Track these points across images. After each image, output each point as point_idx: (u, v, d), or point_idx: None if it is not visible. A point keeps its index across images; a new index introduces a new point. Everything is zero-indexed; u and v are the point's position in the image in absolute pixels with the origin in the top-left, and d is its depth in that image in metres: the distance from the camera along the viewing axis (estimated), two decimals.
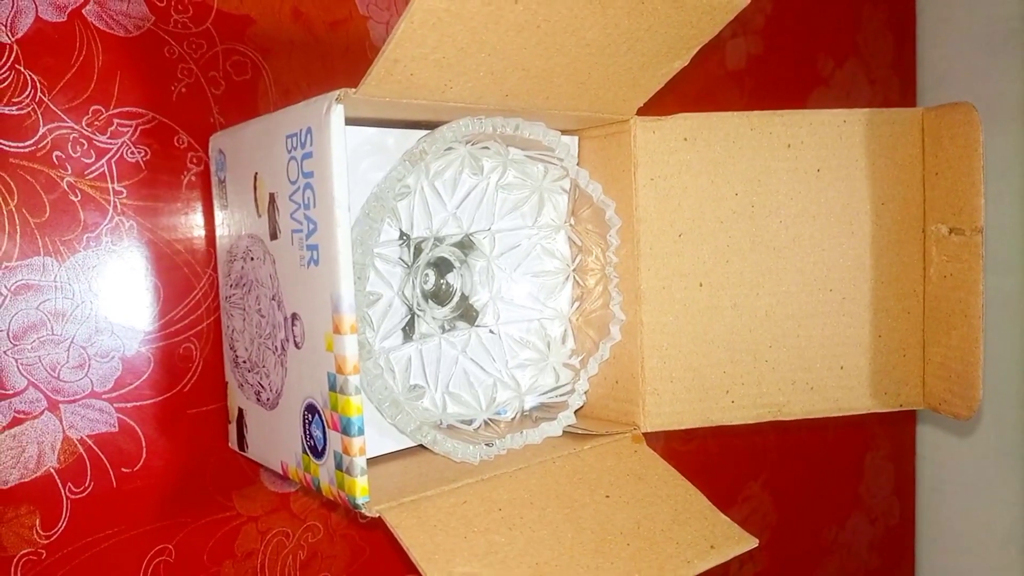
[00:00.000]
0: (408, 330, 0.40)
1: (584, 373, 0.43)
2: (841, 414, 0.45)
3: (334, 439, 0.33)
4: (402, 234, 0.39)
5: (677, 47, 0.36)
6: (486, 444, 0.38)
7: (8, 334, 0.38)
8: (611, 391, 0.45)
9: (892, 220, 0.44)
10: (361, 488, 0.32)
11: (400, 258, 0.39)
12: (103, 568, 0.41)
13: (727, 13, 0.35)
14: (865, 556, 0.92)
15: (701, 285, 0.43)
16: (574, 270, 0.45)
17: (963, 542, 0.93)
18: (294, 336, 0.36)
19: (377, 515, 0.32)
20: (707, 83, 0.69)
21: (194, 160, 0.43)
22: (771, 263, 0.43)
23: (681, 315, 0.43)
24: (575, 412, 0.44)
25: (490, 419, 0.41)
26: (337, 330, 0.32)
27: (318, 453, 0.35)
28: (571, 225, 0.44)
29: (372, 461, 0.38)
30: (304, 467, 0.36)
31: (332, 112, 0.31)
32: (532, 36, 0.31)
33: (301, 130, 0.33)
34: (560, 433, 0.41)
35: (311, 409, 0.35)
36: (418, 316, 0.40)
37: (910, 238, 0.44)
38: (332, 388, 0.33)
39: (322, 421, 0.34)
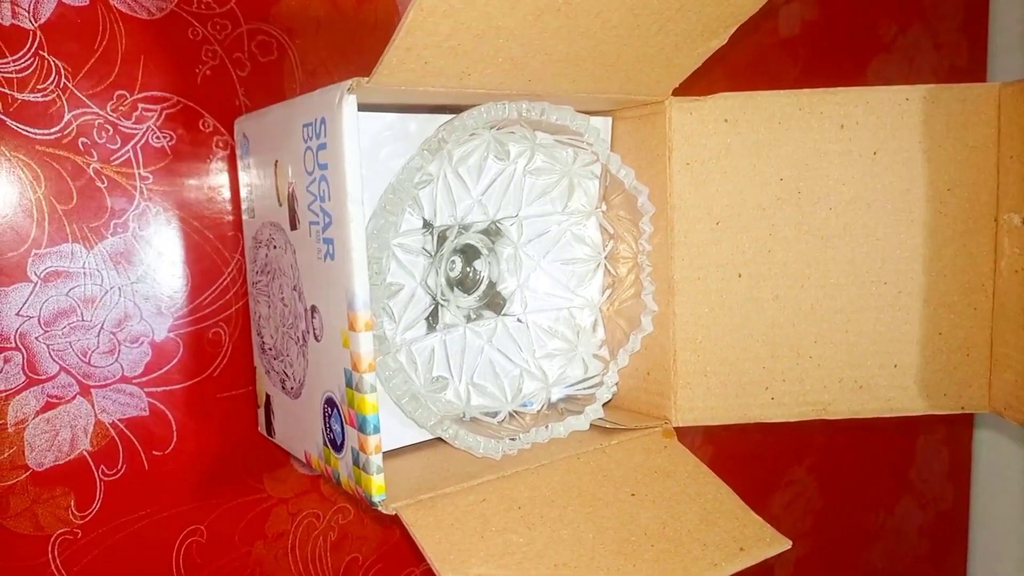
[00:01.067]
0: (432, 320, 0.39)
1: (614, 365, 0.41)
2: (893, 415, 0.42)
3: (351, 435, 0.32)
4: (425, 223, 0.38)
5: (713, 26, 0.34)
6: (509, 438, 0.37)
7: (39, 320, 0.39)
8: (643, 383, 0.43)
9: (959, 208, 0.40)
10: (377, 486, 0.31)
11: (423, 248, 0.38)
12: (137, 547, 0.42)
13: None
14: (914, 542, 0.88)
15: (740, 276, 0.41)
16: (605, 258, 0.43)
17: (1021, 530, 0.88)
18: (314, 328, 0.35)
19: (394, 512, 0.32)
20: (758, 53, 0.65)
21: (220, 144, 0.42)
22: (818, 253, 0.41)
23: (717, 307, 0.41)
24: (604, 404, 0.43)
25: (516, 411, 0.40)
26: (352, 327, 0.31)
27: (337, 447, 0.35)
28: (603, 211, 0.42)
29: (393, 453, 0.38)
30: (325, 459, 0.36)
31: (344, 103, 0.29)
32: (553, 20, 0.29)
33: (316, 120, 0.32)
34: (587, 427, 0.39)
35: (330, 403, 0.35)
36: (442, 306, 0.39)
37: (979, 228, 0.40)
38: (348, 384, 0.32)
39: (340, 416, 0.34)
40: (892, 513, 0.86)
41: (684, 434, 0.42)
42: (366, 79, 0.29)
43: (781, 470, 0.74)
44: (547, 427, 0.38)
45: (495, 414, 0.40)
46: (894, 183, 0.40)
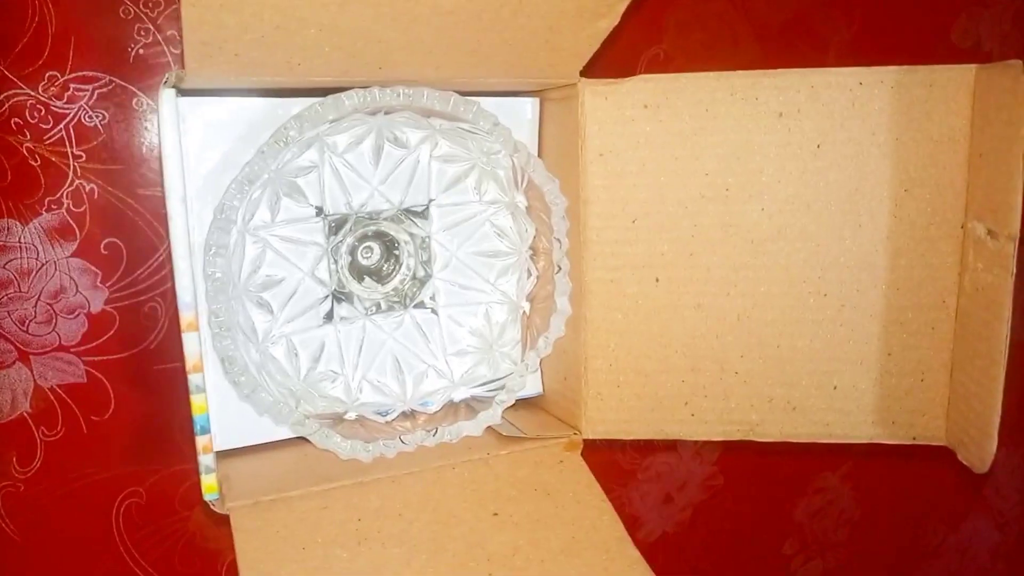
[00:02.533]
0: (328, 312, 0.38)
1: (521, 368, 0.39)
2: (833, 441, 0.37)
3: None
4: (318, 210, 0.37)
5: (595, 5, 0.30)
6: (385, 440, 0.36)
7: None
8: (561, 387, 0.40)
9: (918, 212, 0.34)
10: (207, 486, 0.32)
11: (313, 239, 0.37)
12: (78, 503, 0.45)
13: None
14: (987, 564, 0.79)
15: (658, 280, 0.37)
16: (527, 251, 0.40)
17: None
18: None
19: (227, 512, 0.32)
20: (800, 5, 0.58)
21: (154, 122, 0.43)
22: (748, 258, 0.36)
23: (632, 313, 0.37)
24: (528, 401, 0.41)
25: (413, 410, 0.39)
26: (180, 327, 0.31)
27: None
28: (521, 202, 0.39)
29: (263, 447, 0.37)
30: None
31: (162, 99, 0.29)
32: (367, 9, 0.27)
33: None
34: (480, 433, 0.38)
35: None
36: (339, 298, 0.38)
37: (941, 236, 0.34)
38: None
39: None
40: (957, 531, 0.78)
41: None
42: (183, 71, 0.28)
43: (808, 475, 0.68)
44: (435, 431, 0.37)
45: (387, 412, 0.38)
46: (840, 181, 0.35)
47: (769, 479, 0.66)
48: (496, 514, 0.34)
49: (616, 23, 0.31)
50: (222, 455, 0.37)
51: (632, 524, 0.63)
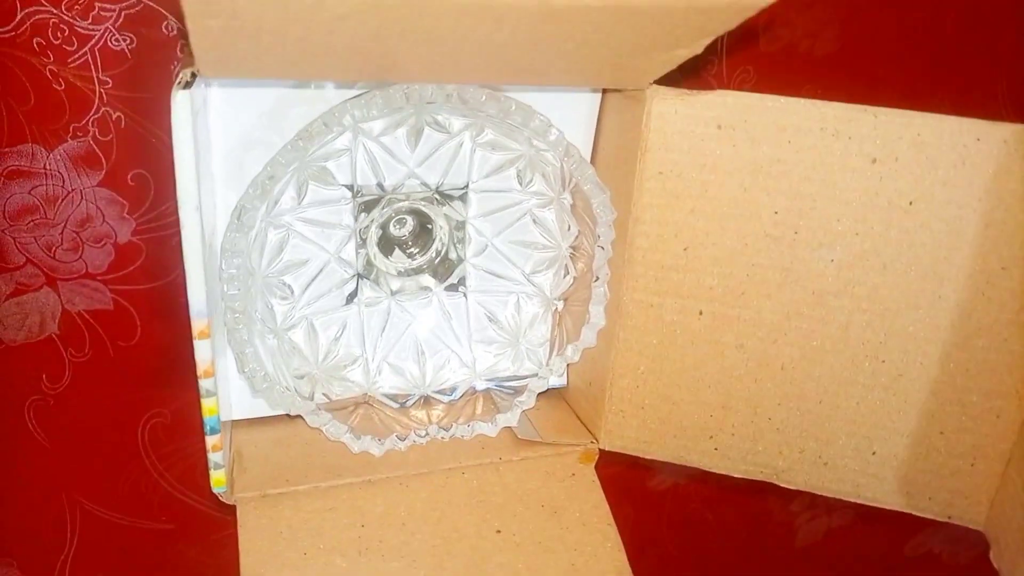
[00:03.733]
0: (351, 294, 0.37)
1: (547, 371, 0.37)
2: (860, 502, 0.35)
3: None
4: (350, 189, 0.34)
5: (675, 39, 0.25)
6: (398, 437, 0.35)
7: (4, 214, 0.40)
8: (585, 390, 0.39)
9: (1009, 292, 0.30)
10: (215, 479, 0.32)
11: (341, 221, 0.35)
12: (104, 418, 0.46)
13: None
14: None
15: (701, 313, 0.34)
16: (568, 249, 0.37)
17: None
18: None
19: (233, 503, 0.32)
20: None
21: (184, 49, 0.40)
22: (804, 309, 0.33)
23: (668, 341, 0.35)
24: (552, 392, 0.40)
25: (431, 396, 0.38)
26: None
27: None
28: (567, 200, 0.36)
29: (279, 419, 0.37)
30: None
31: (175, 101, 0.26)
32: (395, 44, 0.23)
33: None
34: (495, 434, 0.37)
35: None
36: (364, 278, 0.36)
37: None
38: None
39: None
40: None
41: None
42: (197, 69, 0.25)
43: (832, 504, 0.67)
44: (449, 427, 0.36)
45: (404, 399, 0.38)
46: (928, 245, 0.30)
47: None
48: (499, 531, 0.33)
49: (699, 52, 0.27)
50: (239, 425, 0.37)
51: (645, 470, 0.63)
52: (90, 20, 0.38)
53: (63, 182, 0.40)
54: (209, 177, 0.30)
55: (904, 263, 0.31)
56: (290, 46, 0.22)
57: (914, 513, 0.35)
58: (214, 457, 0.31)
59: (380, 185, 0.34)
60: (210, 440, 0.30)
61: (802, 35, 0.46)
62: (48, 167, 0.40)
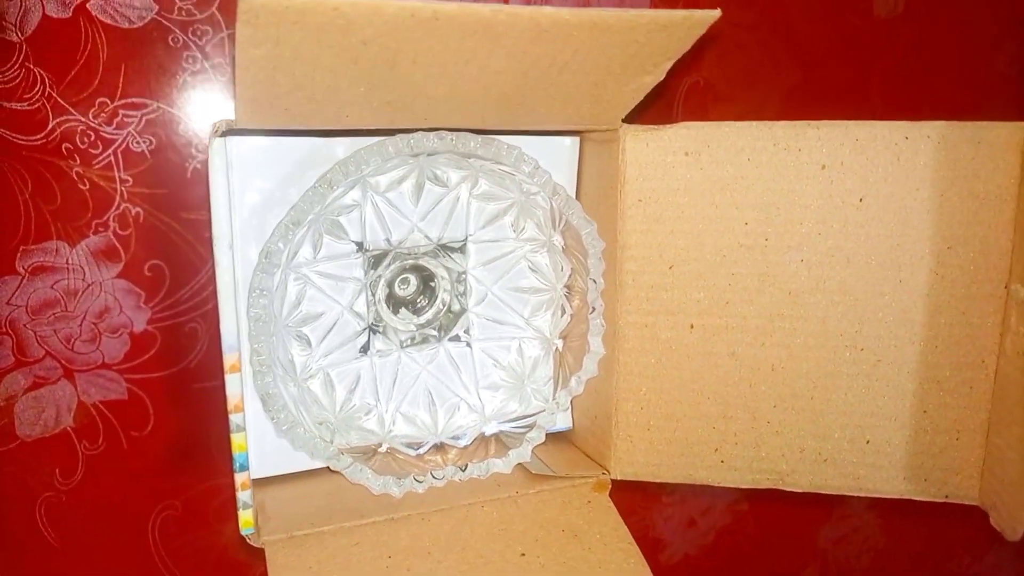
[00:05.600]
0: (364, 345, 0.39)
1: (552, 406, 0.39)
2: (863, 494, 0.37)
3: None
4: (358, 246, 0.38)
5: (640, 63, 0.30)
6: (416, 478, 0.37)
7: (27, 309, 0.42)
8: (591, 425, 0.41)
9: (961, 271, 0.34)
10: (244, 521, 0.32)
11: (351, 274, 0.38)
12: (115, 514, 0.46)
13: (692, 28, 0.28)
14: None
15: (692, 327, 0.37)
16: (562, 289, 0.40)
17: None
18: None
19: (261, 546, 0.33)
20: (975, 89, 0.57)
21: (199, 148, 0.44)
22: (784, 309, 0.36)
23: (665, 358, 0.37)
24: (558, 435, 0.41)
25: (444, 443, 0.39)
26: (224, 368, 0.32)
27: None
28: (558, 241, 0.39)
29: (299, 476, 0.38)
30: None
31: (212, 147, 0.29)
32: (408, 70, 0.27)
33: None
34: (509, 471, 0.38)
35: None
36: (375, 331, 0.39)
37: (984, 295, 0.34)
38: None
39: None
40: (981, 560, 0.77)
41: None
42: (233, 121, 0.29)
43: (834, 502, 0.68)
44: (465, 467, 0.37)
45: (419, 445, 0.39)
46: (882, 236, 0.34)
47: (794, 503, 0.66)
48: (523, 555, 0.34)
49: (661, 79, 0.31)
50: (259, 483, 0.38)
51: (655, 546, 0.63)
52: (114, 126, 0.42)
53: (84, 275, 0.43)
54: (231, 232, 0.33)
55: (864, 255, 0.34)
56: (319, 78, 0.26)
57: (914, 498, 0.36)
58: (243, 496, 0.32)
59: (387, 240, 0.38)
60: (239, 478, 0.32)
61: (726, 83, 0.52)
62: (71, 262, 0.43)
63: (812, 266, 0.35)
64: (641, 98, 0.33)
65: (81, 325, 0.43)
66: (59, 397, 0.44)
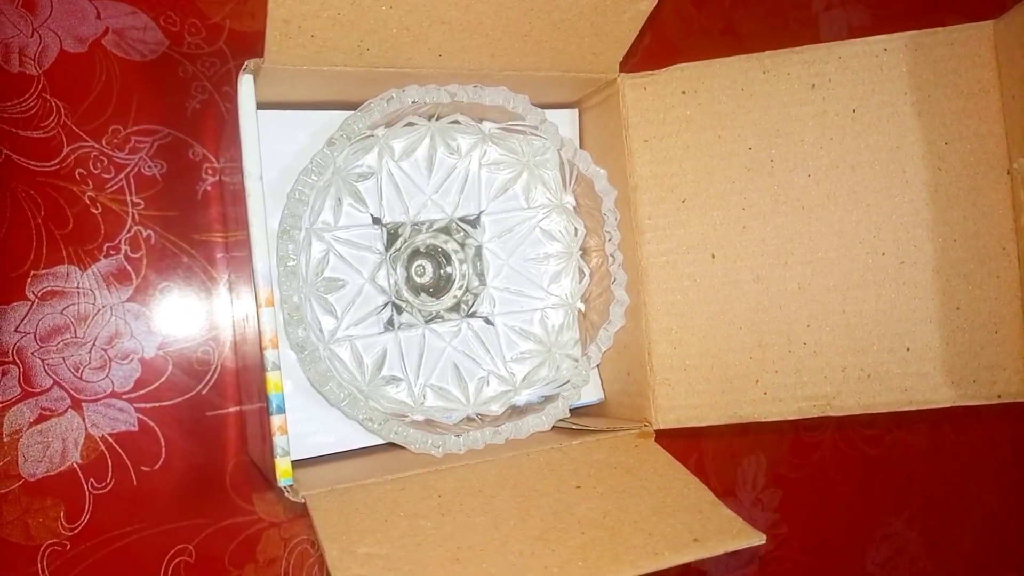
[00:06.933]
0: (389, 320, 0.38)
1: (584, 362, 0.38)
2: (913, 408, 0.36)
3: (266, 422, 0.32)
4: (374, 219, 0.38)
5: None
6: (456, 435, 0.35)
7: (36, 336, 0.41)
8: (624, 385, 0.40)
9: (961, 163, 0.35)
10: (283, 470, 0.30)
11: (372, 246, 0.38)
12: (125, 563, 0.42)
13: None
14: None
15: (714, 257, 0.37)
16: (578, 251, 0.41)
17: None
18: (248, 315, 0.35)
19: (302, 500, 0.30)
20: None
21: (209, 171, 0.45)
22: (801, 226, 0.37)
23: (691, 293, 0.37)
24: (579, 409, 0.40)
25: (478, 414, 0.38)
26: (257, 303, 0.31)
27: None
28: (569, 203, 0.40)
29: (329, 458, 0.36)
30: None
31: (241, 83, 0.31)
32: None
33: None
34: (548, 427, 0.37)
35: (261, 395, 0.34)
36: (398, 306, 0.39)
37: (990, 183, 0.35)
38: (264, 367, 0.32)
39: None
40: None
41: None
42: (262, 60, 0.30)
43: (874, 519, 0.65)
44: (500, 428, 0.36)
45: (452, 415, 0.37)
46: (880, 142, 0.36)
47: (832, 524, 0.63)
48: (579, 487, 0.32)
49: (654, 5, 0.34)
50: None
51: None
52: (126, 151, 0.43)
53: (94, 299, 0.42)
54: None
55: (867, 162, 0.36)
56: (343, 23, 0.28)
57: (966, 403, 0.35)
58: (279, 442, 0.30)
59: (404, 212, 0.38)
60: (276, 420, 0.30)
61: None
62: (81, 285, 0.42)
63: (820, 180, 0.36)
64: (637, 30, 0.35)
65: (91, 352, 0.42)
66: (66, 430, 0.42)
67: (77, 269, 0.42)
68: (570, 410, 0.37)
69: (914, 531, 0.65)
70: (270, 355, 0.30)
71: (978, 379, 0.35)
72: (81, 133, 0.43)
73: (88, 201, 0.43)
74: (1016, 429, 0.69)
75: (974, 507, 0.68)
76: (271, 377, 0.30)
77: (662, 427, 0.37)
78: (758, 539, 0.30)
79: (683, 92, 0.37)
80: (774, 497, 0.60)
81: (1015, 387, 0.35)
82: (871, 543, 0.64)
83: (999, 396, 0.35)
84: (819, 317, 0.36)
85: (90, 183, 0.43)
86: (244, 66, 0.30)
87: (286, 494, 0.30)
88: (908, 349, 0.36)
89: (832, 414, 0.36)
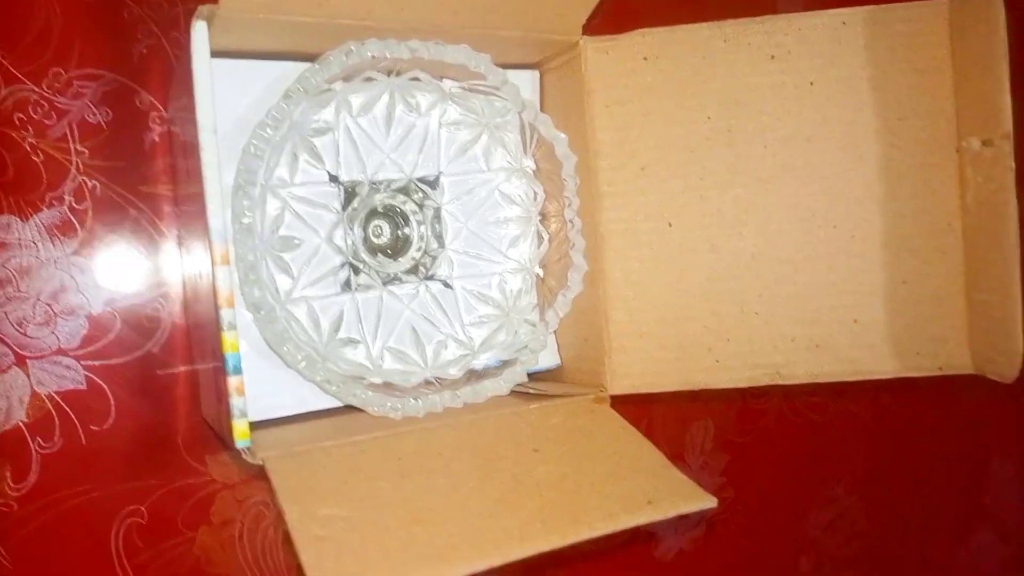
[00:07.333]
0: (346, 281, 0.38)
1: (543, 328, 0.39)
2: (859, 378, 0.37)
3: (222, 382, 0.31)
4: (331, 177, 0.37)
5: None
6: (414, 399, 0.35)
7: None
8: (581, 351, 0.40)
9: (914, 139, 0.36)
10: (240, 432, 0.30)
11: (329, 204, 0.37)
12: (74, 524, 0.42)
13: None
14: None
15: (671, 225, 0.38)
16: (537, 216, 0.41)
17: None
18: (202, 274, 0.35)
19: (261, 462, 0.30)
20: None
21: (156, 120, 0.43)
22: (756, 197, 0.37)
23: (648, 261, 0.38)
24: (538, 374, 0.41)
25: (436, 377, 0.38)
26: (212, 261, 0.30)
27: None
28: (529, 166, 0.40)
29: (288, 419, 0.36)
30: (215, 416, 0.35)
31: (195, 30, 0.29)
32: None
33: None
34: (506, 391, 0.37)
35: (215, 355, 0.34)
36: (355, 266, 0.38)
37: (939, 160, 0.36)
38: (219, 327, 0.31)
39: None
40: (966, 544, 0.77)
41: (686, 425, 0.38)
42: (216, 5, 0.29)
43: (816, 485, 0.68)
44: (459, 392, 0.36)
45: (410, 378, 0.38)
46: (837, 115, 0.36)
47: (777, 489, 0.65)
48: (536, 451, 0.33)
49: None
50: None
51: (648, 541, 0.61)
52: (69, 96, 0.41)
53: (37, 252, 0.41)
54: None
55: (824, 134, 0.36)
56: None
57: (909, 375, 0.37)
58: (236, 403, 0.30)
59: (362, 171, 0.38)
60: (232, 381, 0.30)
61: None
62: (23, 237, 0.41)
63: (776, 152, 0.37)
64: None
65: (35, 307, 0.41)
66: (10, 388, 0.40)
67: (18, 220, 0.41)
68: (528, 375, 0.38)
69: (854, 496, 0.68)
70: (226, 314, 0.30)
71: (921, 351, 0.37)
72: (19, 75, 0.40)
73: (29, 148, 0.41)
74: (952, 401, 0.72)
75: (911, 474, 0.72)
76: (227, 337, 0.30)
77: (617, 393, 0.38)
78: (710, 502, 0.31)
79: (644, 58, 0.37)
80: (721, 461, 0.62)
81: (956, 360, 0.36)
82: (813, 507, 0.67)
83: (940, 368, 0.37)
84: (771, 287, 0.37)
85: (30, 129, 0.41)
86: (197, 12, 0.29)
87: (244, 456, 0.30)
88: (856, 321, 0.37)
89: (781, 383, 0.37)
